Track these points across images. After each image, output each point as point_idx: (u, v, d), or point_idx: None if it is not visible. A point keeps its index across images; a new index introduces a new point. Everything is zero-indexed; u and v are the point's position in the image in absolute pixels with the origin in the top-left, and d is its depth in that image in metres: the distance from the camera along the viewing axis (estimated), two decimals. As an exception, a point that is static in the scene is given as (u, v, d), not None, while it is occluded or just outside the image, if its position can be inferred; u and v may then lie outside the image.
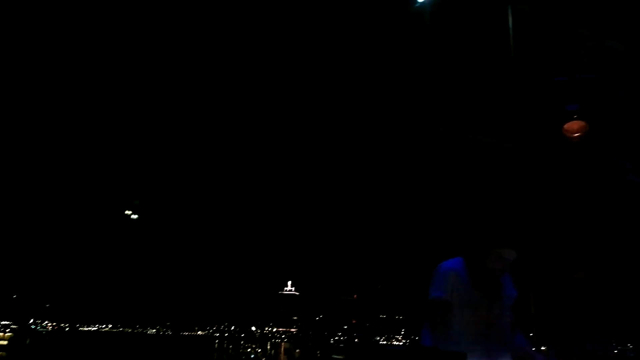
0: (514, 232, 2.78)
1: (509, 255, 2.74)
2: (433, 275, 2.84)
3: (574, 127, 4.76)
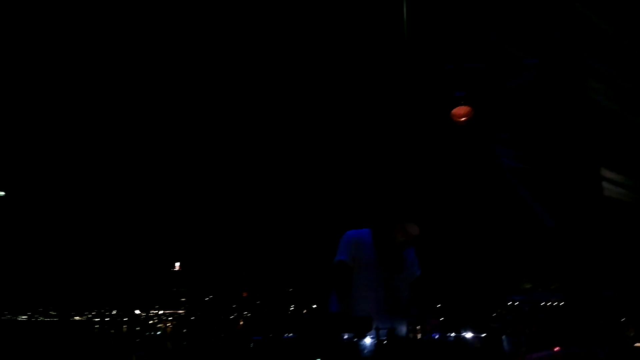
0: (418, 209, 2.99)
1: (412, 230, 2.96)
2: (339, 241, 3.00)
3: (460, 112, 5.12)
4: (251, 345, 2.04)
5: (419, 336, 2.61)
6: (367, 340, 2.25)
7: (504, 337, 2.27)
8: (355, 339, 2.25)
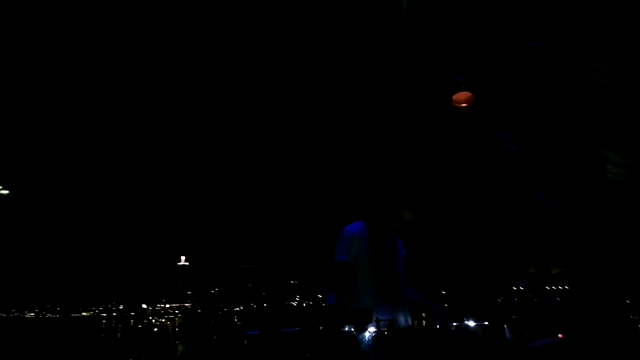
0: (411, 195, 2.94)
1: (407, 217, 2.93)
2: (337, 239, 2.97)
3: (461, 97, 5.04)
4: (246, 341, 2.00)
5: (424, 323, 2.57)
6: (368, 332, 2.21)
7: (505, 325, 2.23)
8: (355, 331, 2.21)
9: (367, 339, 2.20)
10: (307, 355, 1.99)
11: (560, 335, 2.62)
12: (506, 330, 2.20)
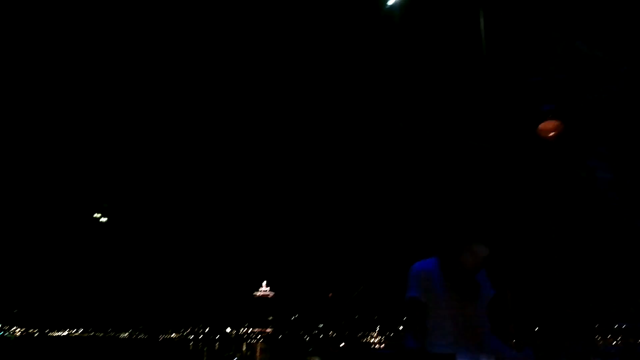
0: (484, 229, 2.80)
1: (481, 251, 2.74)
2: (408, 276, 2.87)
3: (549, 126, 4.86)
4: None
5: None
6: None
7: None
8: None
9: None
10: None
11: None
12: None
